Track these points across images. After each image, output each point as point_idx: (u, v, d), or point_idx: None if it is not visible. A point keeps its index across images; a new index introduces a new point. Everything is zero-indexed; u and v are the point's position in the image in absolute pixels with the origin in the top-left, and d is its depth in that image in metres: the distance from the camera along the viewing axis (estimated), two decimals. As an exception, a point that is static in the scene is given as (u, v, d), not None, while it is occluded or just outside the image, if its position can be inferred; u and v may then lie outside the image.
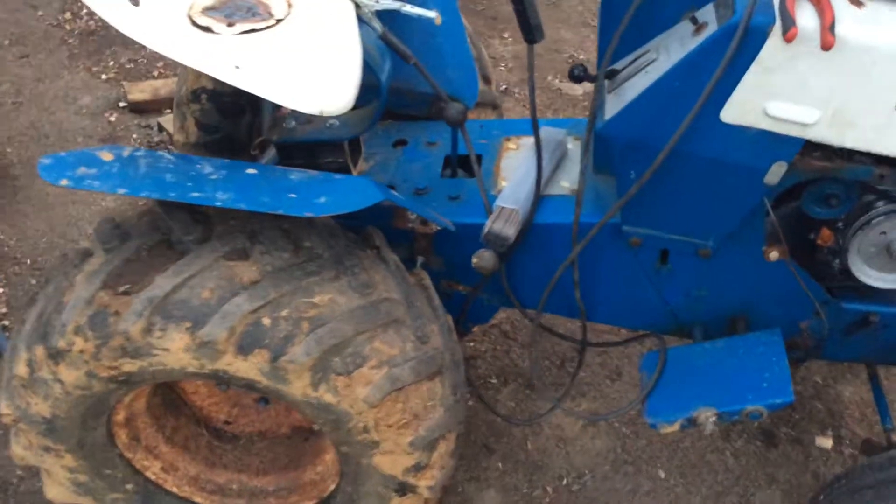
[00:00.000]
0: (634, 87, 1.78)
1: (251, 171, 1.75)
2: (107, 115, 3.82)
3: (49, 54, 4.17)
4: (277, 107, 2.15)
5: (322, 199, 1.68)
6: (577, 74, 1.90)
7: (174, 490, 2.14)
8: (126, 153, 1.76)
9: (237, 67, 1.68)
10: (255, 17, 1.85)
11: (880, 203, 1.85)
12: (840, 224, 1.91)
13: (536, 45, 1.89)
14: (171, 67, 4.14)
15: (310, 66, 1.73)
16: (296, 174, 1.77)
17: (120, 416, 1.98)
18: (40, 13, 4.44)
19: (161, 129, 3.72)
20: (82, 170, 1.69)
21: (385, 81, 1.96)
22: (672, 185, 1.83)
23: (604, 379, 2.86)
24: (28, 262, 3.12)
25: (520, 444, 2.67)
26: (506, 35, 4.59)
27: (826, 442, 2.71)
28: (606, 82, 1.89)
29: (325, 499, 2.09)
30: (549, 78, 4.31)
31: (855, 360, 2.29)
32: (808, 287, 1.97)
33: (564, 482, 2.58)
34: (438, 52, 2.30)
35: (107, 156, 1.73)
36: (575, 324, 2.52)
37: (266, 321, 1.67)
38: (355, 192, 1.73)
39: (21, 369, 1.78)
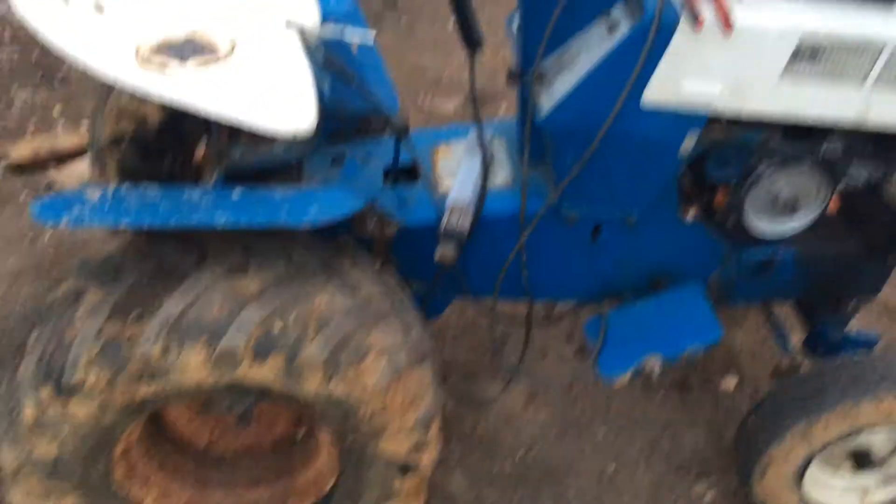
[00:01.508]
0: (564, 83, 2.05)
1: (236, 193, 1.87)
2: (-13, 178, 3.71)
3: None
4: (230, 135, 2.26)
5: (313, 210, 1.83)
6: (515, 76, 2.15)
7: (171, 517, 2.19)
8: (110, 190, 1.83)
9: (210, 99, 1.80)
10: (202, 53, 1.97)
11: (765, 162, 2.22)
12: (732, 185, 2.27)
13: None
14: (45, 124, 4.07)
15: (272, 93, 1.87)
16: (278, 192, 1.90)
17: (118, 450, 2.02)
18: None
19: (49, 186, 3.67)
20: (77, 209, 1.76)
21: (327, 103, 2.14)
22: (603, 165, 2.11)
23: (532, 360, 3.12)
24: (-59, 330, 3.01)
25: (471, 428, 2.88)
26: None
27: (730, 383, 3.10)
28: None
29: (325, 497, 2.20)
30: (420, 99, 4.57)
31: (757, 301, 2.66)
32: (717, 240, 2.32)
33: (519, 454, 2.81)
34: (360, 74, 2.49)
35: (94, 194, 1.80)
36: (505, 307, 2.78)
37: (277, 327, 1.79)
38: (340, 199, 1.89)
39: (28, 413, 1.81)
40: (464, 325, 3.24)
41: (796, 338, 2.98)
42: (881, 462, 2.53)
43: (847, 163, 2.22)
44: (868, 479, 2.56)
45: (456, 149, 2.49)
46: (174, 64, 1.88)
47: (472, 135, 2.41)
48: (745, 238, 2.38)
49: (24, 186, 3.70)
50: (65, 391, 1.78)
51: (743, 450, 2.44)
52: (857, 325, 3.12)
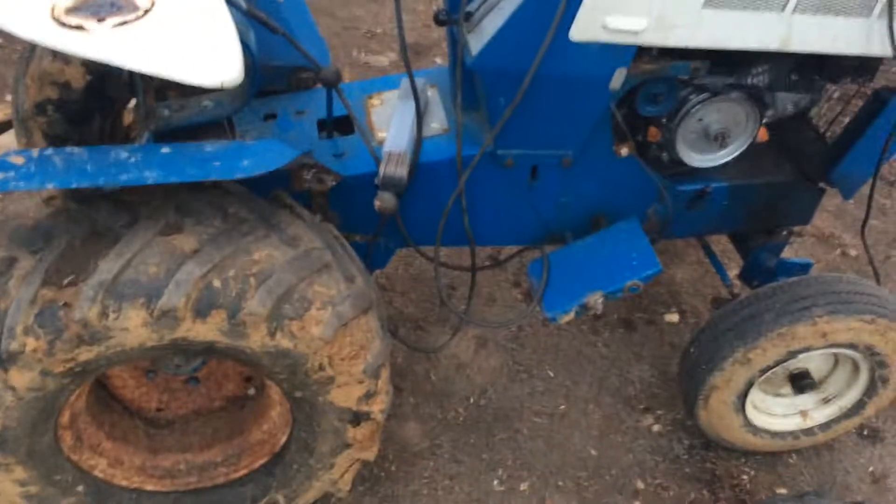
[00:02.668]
0: (492, 23, 2.04)
1: (166, 149, 1.84)
2: None
3: None
4: (157, 94, 2.21)
5: (245, 163, 1.81)
6: (442, 18, 2.14)
7: (124, 483, 2.18)
8: (35, 154, 1.78)
9: (134, 54, 1.76)
10: (120, 10, 1.91)
11: (695, 95, 2.25)
12: (664, 120, 2.30)
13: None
14: (-33, 98, 3.94)
15: (195, 45, 1.83)
16: (208, 146, 1.87)
17: (65, 418, 2.00)
18: None
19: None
20: (1, 175, 1.71)
21: (256, 57, 2.10)
22: (536, 105, 2.12)
23: (481, 307, 3.15)
24: None
25: (424, 377, 2.90)
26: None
27: (673, 317, 3.17)
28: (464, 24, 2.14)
29: (279, 451, 2.21)
30: (355, 53, 4.52)
31: (694, 234, 2.71)
32: (653, 175, 2.35)
33: (471, 400, 2.84)
34: (288, 27, 2.45)
35: (18, 159, 1.76)
36: (451, 255, 2.79)
37: (217, 283, 1.78)
38: (273, 152, 1.87)
39: (-33, 386, 1.78)
40: (412, 278, 3.25)
41: (735, 272, 3.07)
42: (819, 384, 2.62)
43: (773, 92, 2.27)
44: (807, 400, 2.65)
45: (389, 98, 2.48)
46: (91, 24, 1.83)
47: (405, 83, 2.40)
48: (678, 171, 2.42)
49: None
50: (3, 361, 1.75)
51: (686, 380, 2.51)
52: (793, 254, 3.21)
